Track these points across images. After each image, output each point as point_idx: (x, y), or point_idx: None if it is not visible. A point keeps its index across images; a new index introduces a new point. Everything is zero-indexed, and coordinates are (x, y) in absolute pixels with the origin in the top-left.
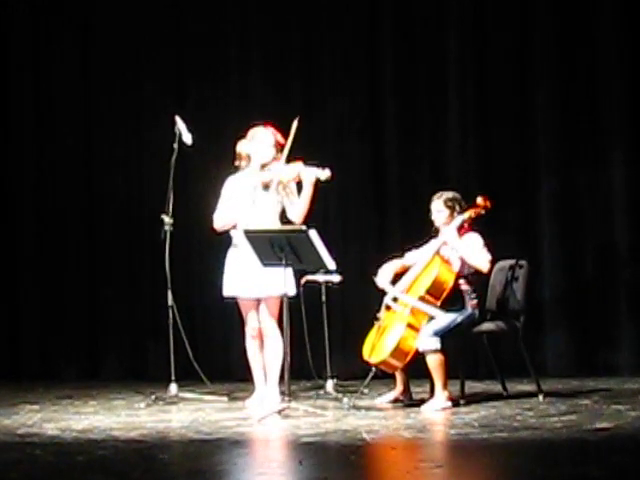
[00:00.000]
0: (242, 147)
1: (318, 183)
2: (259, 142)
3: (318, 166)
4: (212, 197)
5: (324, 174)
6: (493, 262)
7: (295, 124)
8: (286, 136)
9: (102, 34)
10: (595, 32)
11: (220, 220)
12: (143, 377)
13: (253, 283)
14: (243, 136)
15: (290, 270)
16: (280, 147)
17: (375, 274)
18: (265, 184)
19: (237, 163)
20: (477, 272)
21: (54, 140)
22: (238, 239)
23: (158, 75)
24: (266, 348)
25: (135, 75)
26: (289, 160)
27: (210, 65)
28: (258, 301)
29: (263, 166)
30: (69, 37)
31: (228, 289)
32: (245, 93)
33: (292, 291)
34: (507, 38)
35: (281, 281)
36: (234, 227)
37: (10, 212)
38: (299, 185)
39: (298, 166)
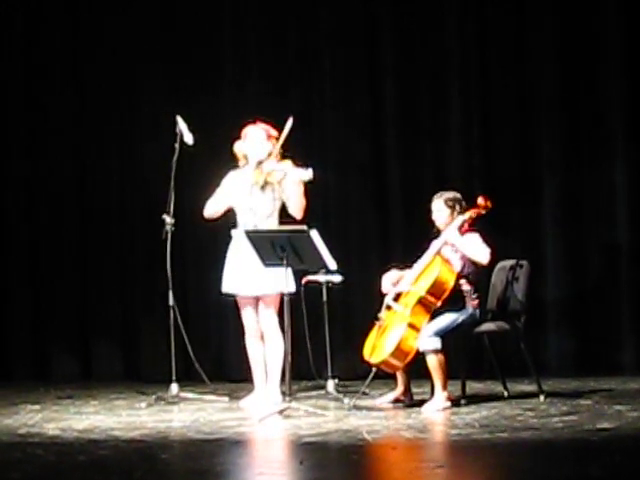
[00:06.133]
0: (238, 147)
1: (305, 183)
2: (250, 141)
3: (302, 166)
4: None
5: (307, 175)
6: (494, 261)
7: (289, 123)
8: (280, 132)
9: (95, 33)
10: (597, 31)
11: (210, 206)
12: (139, 377)
13: (251, 281)
14: (239, 137)
15: (287, 269)
16: (275, 139)
17: (379, 282)
18: (261, 187)
19: (235, 163)
20: (478, 270)
21: (49, 136)
22: (238, 238)
23: (156, 74)
24: (267, 347)
25: (131, 74)
26: (282, 157)
27: (208, 65)
28: (256, 299)
29: (259, 163)
30: (60, 37)
31: (226, 286)
32: (244, 93)
33: (292, 287)
34: (510, 37)
35: (279, 279)
36: (222, 215)
37: (1, 209)
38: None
39: (286, 167)
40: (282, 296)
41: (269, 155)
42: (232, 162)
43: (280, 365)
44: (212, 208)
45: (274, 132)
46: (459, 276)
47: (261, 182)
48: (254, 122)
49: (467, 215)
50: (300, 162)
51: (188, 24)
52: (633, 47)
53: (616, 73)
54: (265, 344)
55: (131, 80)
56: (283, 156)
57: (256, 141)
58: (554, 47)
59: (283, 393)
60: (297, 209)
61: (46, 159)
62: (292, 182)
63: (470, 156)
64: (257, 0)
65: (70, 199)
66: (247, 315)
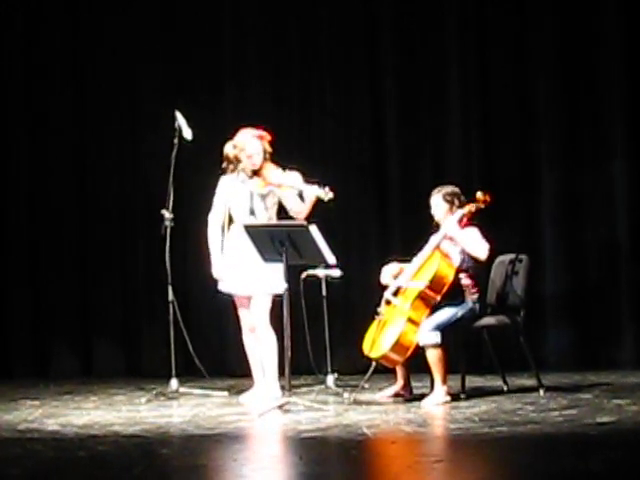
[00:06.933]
0: (228, 150)
1: (318, 200)
2: (249, 153)
3: (319, 184)
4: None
5: (326, 195)
6: (493, 256)
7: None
8: (272, 133)
9: (95, 33)
10: (597, 31)
11: (212, 228)
12: (139, 373)
13: (244, 280)
14: (231, 139)
15: (281, 267)
16: (269, 143)
17: (379, 276)
18: (262, 195)
19: (224, 165)
20: (477, 265)
21: (49, 136)
22: (236, 233)
23: (156, 71)
24: (258, 344)
25: (131, 74)
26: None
27: (208, 65)
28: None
29: (254, 172)
30: (60, 37)
31: (223, 284)
32: (244, 93)
33: (280, 288)
34: (510, 37)
35: (270, 279)
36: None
37: (1, 208)
38: None
39: (298, 182)
40: (276, 296)
41: (265, 161)
42: (221, 164)
43: (273, 361)
44: (213, 231)
45: (265, 134)
46: (458, 270)
47: (265, 192)
48: (245, 127)
49: (466, 209)
50: (308, 175)
51: (188, 24)
52: (633, 47)
53: (616, 73)
54: (258, 342)
55: (131, 80)
56: (290, 168)
57: (254, 152)
58: (554, 47)
59: (283, 388)
60: (302, 215)
61: (46, 159)
62: (307, 200)
63: (470, 156)
64: (257, 0)
65: (70, 199)
66: (243, 313)
